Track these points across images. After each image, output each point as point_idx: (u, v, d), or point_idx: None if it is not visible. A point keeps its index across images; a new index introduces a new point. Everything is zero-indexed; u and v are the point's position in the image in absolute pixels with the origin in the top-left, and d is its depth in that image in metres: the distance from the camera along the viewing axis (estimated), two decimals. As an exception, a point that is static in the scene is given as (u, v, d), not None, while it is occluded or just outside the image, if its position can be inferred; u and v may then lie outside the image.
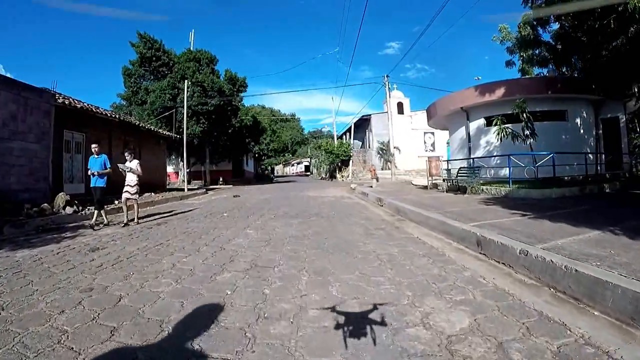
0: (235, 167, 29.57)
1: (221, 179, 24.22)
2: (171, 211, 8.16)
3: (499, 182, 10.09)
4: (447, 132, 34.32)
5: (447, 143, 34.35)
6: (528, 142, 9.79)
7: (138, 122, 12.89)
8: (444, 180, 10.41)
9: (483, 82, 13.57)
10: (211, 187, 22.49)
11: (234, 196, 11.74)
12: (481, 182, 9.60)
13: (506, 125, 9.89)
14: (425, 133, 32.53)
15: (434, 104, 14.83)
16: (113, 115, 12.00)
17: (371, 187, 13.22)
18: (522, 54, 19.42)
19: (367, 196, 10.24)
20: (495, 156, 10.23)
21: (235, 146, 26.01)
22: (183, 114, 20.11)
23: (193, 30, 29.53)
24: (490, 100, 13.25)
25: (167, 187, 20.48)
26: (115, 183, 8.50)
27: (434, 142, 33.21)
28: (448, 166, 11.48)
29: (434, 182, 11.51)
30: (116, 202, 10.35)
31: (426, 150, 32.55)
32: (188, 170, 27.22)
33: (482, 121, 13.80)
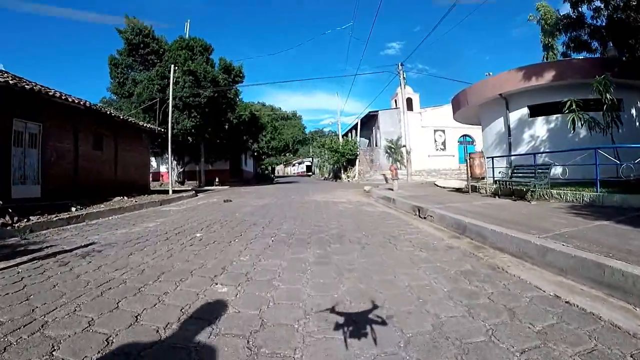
0: (232, 166, 27.08)
1: (217, 180, 21.75)
2: (133, 224, 5.69)
3: (564, 185, 7.60)
4: (453, 130, 31.85)
5: (459, 142, 31.97)
6: (609, 133, 7.35)
7: (110, 111, 10.44)
8: (496, 181, 7.93)
9: (528, 64, 11.10)
10: (205, 188, 20.03)
11: (224, 201, 9.27)
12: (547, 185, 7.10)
13: (587, 113, 7.41)
14: (435, 131, 30.14)
15: (464, 91, 12.35)
16: (77, 102, 9.52)
17: (391, 189, 10.75)
18: (547, 40, 17.01)
19: (394, 202, 7.78)
20: (569, 151, 7.72)
21: (232, 144, 23.53)
22: (171, 104, 17.65)
23: (189, 21, 27.03)
24: (536, 85, 10.78)
25: (153, 188, 18.02)
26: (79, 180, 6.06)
27: (444, 141, 30.84)
28: (492, 164, 9.04)
29: (472, 184, 9.02)
30: (73, 209, 7.91)
31: (437, 150, 30.13)
32: (182, 169, 24.75)
33: (525, 111, 11.33)
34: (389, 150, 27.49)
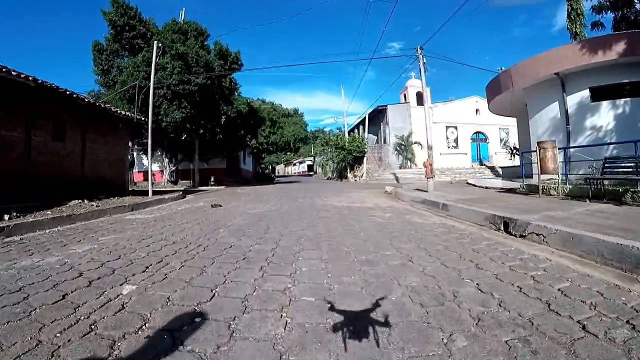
0: (230, 165, 24.70)
1: (212, 179, 19.43)
2: (62, 245, 3.40)
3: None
4: (466, 127, 29.54)
5: (472, 139, 29.72)
6: None
7: (73, 93, 8.14)
8: (586, 180, 5.66)
9: (590, 37, 8.86)
10: (198, 188, 17.72)
11: (212, 206, 6.97)
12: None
13: None
14: (447, 127, 27.89)
15: (507, 72, 10.04)
16: (23, 77, 7.18)
17: (421, 190, 8.49)
18: (573, 27, 14.81)
19: (447, 209, 5.48)
20: None
21: (229, 140, 21.20)
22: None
23: (184, 9, 24.68)
24: (601, 62, 8.51)
25: (142, 188, 15.75)
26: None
27: (457, 138, 28.63)
28: (565, 158, 6.83)
29: (542, 183, 6.75)
30: (6, 217, 5.67)
31: (449, 147, 27.88)
32: (174, 167, 22.41)
33: (585, 94, 9.06)
34: (398, 148, 25.24)
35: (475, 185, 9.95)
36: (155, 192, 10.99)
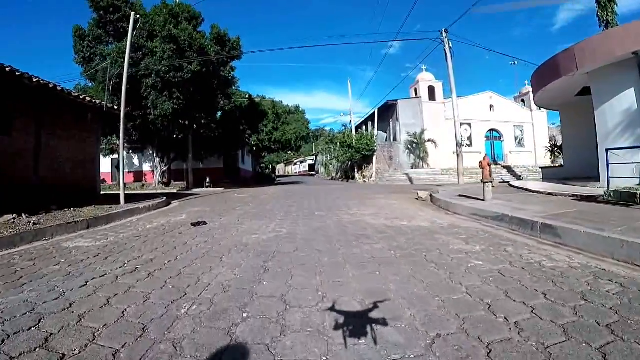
0: (227, 164, 22.63)
1: (207, 180, 17.40)
2: None
3: None
4: (479, 124, 27.67)
5: (486, 137, 27.70)
6: None
7: (11, 68, 6.08)
8: None
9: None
10: (192, 191, 15.70)
11: (193, 224, 4.94)
12: None
13: None
14: (461, 124, 25.82)
15: (569, 52, 7.98)
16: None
17: (479, 198, 6.52)
18: (604, 15, 12.96)
19: (554, 234, 3.35)
20: None
21: (227, 137, 19.15)
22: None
23: (178, -4, 22.55)
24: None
25: (133, 191, 13.69)
26: None
27: (470, 136, 26.64)
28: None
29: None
30: None
31: (462, 145, 25.88)
32: (166, 167, 20.40)
33: (671, 77, 7.06)
34: (410, 146, 23.24)
35: (530, 190, 7.95)
36: (135, 198, 8.95)
